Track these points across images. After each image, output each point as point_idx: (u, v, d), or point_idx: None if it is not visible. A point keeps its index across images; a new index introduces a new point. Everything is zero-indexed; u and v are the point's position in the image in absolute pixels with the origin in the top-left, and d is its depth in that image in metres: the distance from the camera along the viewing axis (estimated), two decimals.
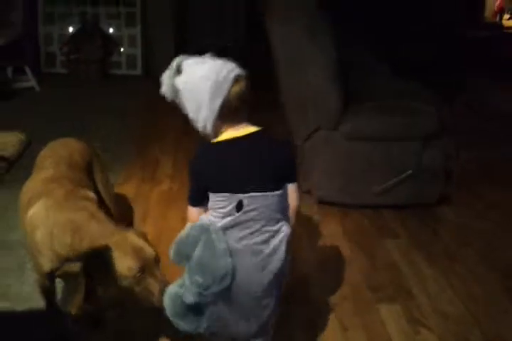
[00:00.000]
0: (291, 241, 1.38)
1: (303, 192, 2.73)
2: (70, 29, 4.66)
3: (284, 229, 1.35)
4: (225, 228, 1.29)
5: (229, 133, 1.30)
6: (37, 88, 4.32)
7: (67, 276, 1.55)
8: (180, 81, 1.30)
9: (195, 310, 1.32)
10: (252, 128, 1.32)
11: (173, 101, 1.35)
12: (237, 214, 1.28)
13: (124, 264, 1.36)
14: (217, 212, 1.31)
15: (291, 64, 2.30)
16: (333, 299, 2.01)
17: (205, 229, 1.27)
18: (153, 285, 1.37)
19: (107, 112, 3.93)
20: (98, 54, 4.55)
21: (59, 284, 1.91)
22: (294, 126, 2.57)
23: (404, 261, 2.27)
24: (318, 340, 1.80)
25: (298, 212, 2.52)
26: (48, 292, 1.68)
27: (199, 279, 1.25)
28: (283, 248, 1.34)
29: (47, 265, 1.50)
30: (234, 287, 1.28)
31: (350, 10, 3.92)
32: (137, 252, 1.38)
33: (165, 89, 1.34)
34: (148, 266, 1.38)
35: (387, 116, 2.42)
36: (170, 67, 1.34)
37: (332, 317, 1.91)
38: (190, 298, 1.28)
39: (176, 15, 4.82)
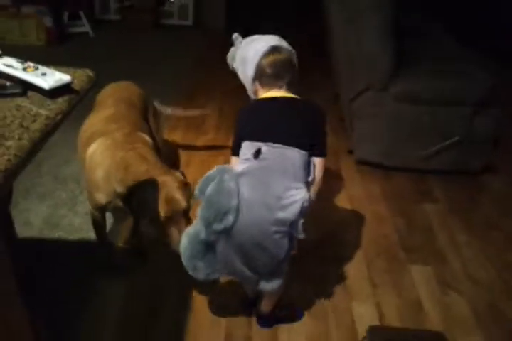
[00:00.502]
0: (309, 208, 1.34)
1: (347, 152, 2.74)
2: None
3: (303, 192, 1.32)
4: (241, 173, 1.33)
5: (266, 95, 1.47)
6: (91, 33, 4.39)
7: (117, 210, 1.64)
8: (237, 53, 1.58)
9: (210, 248, 1.36)
10: (288, 94, 1.46)
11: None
12: (254, 161, 1.35)
13: (154, 209, 1.42)
14: (241, 159, 1.40)
15: (346, 23, 2.25)
16: (367, 256, 2.06)
17: (220, 171, 1.32)
18: (175, 234, 1.44)
19: (157, 61, 3.98)
20: (151, 2, 4.54)
21: (109, 219, 2.05)
22: (343, 86, 2.53)
23: (441, 225, 2.27)
24: (348, 295, 1.86)
25: (339, 172, 2.60)
26: (98, 224, 1.79)
27: (204, 213, 1.29)
28: (295, 208, 1.30)
29: (103, 199, 1.60)
30: (236, 231, 1.31)
31: None
32: (168, 202, 1.44)
33: (228, 59, 1.62)
34: (175, 217, 1.44)
35: (439, 79, 2.35)
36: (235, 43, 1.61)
37: (363, 273, 1.97)
38: (201, 234, 1.31)
39: None
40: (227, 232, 1.31)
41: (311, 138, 1.41)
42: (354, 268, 1.99)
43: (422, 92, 2.32)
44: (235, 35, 1.59)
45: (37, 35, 4.09)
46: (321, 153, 1.45)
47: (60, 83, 1.01)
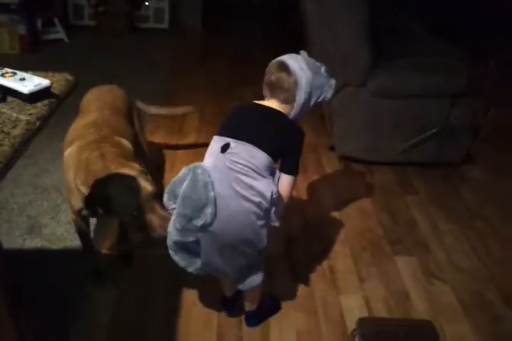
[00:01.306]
0: (278, 200, 1.38)
1: (329, 148, 2.77)
2: None
3: (270, 183, 1.36)
4: (210, 167, 1.35)
5: (263, 102, 1.52)
6: (66, 40, 4.36)
7: (99, 216, 1.63)
8: None
9: (185, 249, 1.39)
10: (277, 107, 1.49)
11: None
12: (220, 154, 1.38)
13: (122, 201, 1.42)
14: (208, 152, 1.44)
15: (321, 21, 2.27)
16: (353, 250, 2.08)
17: (192, 168, 1.33)
18: (154, 220, 1.43)
19: (134, 65, 3.96)
20: (125, 7, 4.52)
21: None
22: None
23: (423, 216, 2.31)
24: (336, 289, 1.89)
25: (322, 168, 2.63)
26: (82, 231, 1.78)
27: (180, 211, 1.30)
28: (268, 196, 1.33)
29: (77, 204, 1.59)
30: (216, 226, 1.31)
31: None
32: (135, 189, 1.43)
33: None
34: (147, 204, 1.43)
35: (415, 73, 2.38)
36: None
37: (350, 267, 1.99)
38: (174, 236, 1.34)
39: None
40: (205, 229, 1.31)
41: (282, 152, 1.45)
42: (341, 263, 2.02)
43: (399, 86, 2.36)
44: (301, 52, 1.57)
45: (10, 43, 4.03)
46: (290, 171, 1.48)
47: (39, 87, 1.02)
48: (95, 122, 1.74)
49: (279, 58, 1.52)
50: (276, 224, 1.41)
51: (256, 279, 1.52)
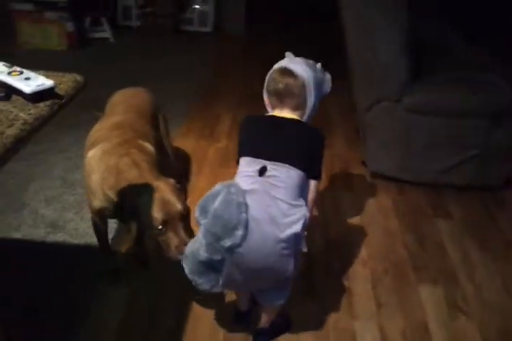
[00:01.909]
0: (307, 225, 1.35)
1: (361, 163, 2.66)
2: None
3: (303, 209, 1.34)
4: (246, 190, 1.30)
5: (274, 112, 1.49)
6: (111, 39, 4.43)
7: (117, 217, 1.62)
8: None
9: (210, 268, 1.32)
10: (290, 115, 1.46)
11: None
12: (258, 178, 1.34)
13: (149, 214, 1.39)
14: (242, 175, 1.38)
15: (360, 32, 2.18)
16: (374, 273, 1.98)
17: (227, 185, 1.28)
18: (172, 240, 1.39)
19: (175, 66, 3.98)
20: (172, 9, 4.56)
21: (113, 225, 2.03)
22: (358, 97, 2.46)
23: (454, 243, 2.17)
24: (351, 313, 1.79)
25: (351, 184, 2.53)
26: (99, 230, 1.77)
27: (210, 228, 1.24)
28: (300, 225, 1.30)
29: (97, 204, 1.58)
30: (243, 249, 1.26)
31: None
32: (163, 205, 1.40)
33: None
34: (172, 221, 1.40)
35: (453, 90, 2.25)
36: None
37: (369, 291, 1.89)
38: (201, 253, 1.28)
39: None
40: (232, 251, 1.25)
41: (308, 161, 1.42)
42: (359, 286, 1.91)
43: (436, 104, 2.23)
44: (287, 53, 1.59)
45: (58, 40, 4.13)
46: (316, 176, 1.46)
47: (41, 87, 1.00)
48: (120, 124, 1.72)
49: (278, 65, 1.49)
50: (305, 249, 1.39)
51: (280, 298, 1.50)
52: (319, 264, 2.00)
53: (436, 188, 2.51)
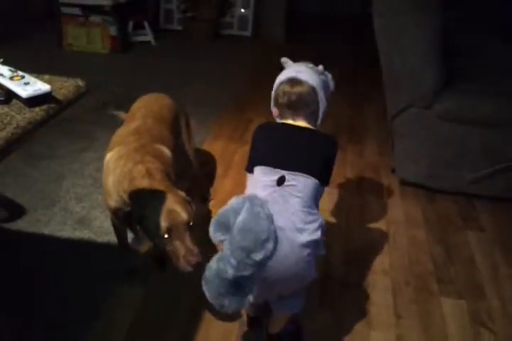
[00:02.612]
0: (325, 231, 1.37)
1: (391, 170, 2.61)
2: None
3: (320, 217, 1.35)
4: (266, 200, 1.29)
5: (286, 121, 1.49)
6: (153, 42, 4.53)
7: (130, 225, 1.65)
8: None
9: (236, 286, 1.25)
10: (303, 124, 1.46)
11: None
12: (276, 187, 1.34)
13: (154, 222, 1.41)
14: (260, 185, 1.38)
15: (389, 36, 2.13)
16: (395, 283, 1.93)
17: (248, 198, 1.26)
18: (179, 250, 1.39)
19: (214, 70, 4.03)
20: (212, 13, 4.62)
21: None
22: (388, 103, 2.42)
23: (484, 256, 2.09)
24: (368, 323, 1.75)
25: (380, 191, 2.48)
26: (118, 229, 1.82)
27: (241, 244, 1.20)
28: (320, 231, 1.32)
29: (113, 204, 1.63)
30: (274, 261, 1.24)
31: None
32: (169, 214, 1.41)
33: None
34: (178, 230, 1.40)
35: (488, 99, 2.16)
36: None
37: (388, 301, 1.84)
38: (229, 272, 1.21)
39: None
40: (263, 264, 1.23)
41: (323, 169, 1.42)
42: (379, 295, 1.87)
43: (469, 112, 2.15)
44: (283, 59, 1.61)
45: (102, 43, 4.27)
46: (327, 183, 1.47)
47: (37, 92, 1.04)
48: (137, 130, 1.76)
49: (284, 76, 1.50)
50: (323, 252, 1.38)
51: (297, 305, 1.50)
52: (338, 272, 1.97)
53: (468, 198, 2.43)
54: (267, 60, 4.41)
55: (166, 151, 1.73)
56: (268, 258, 1.23)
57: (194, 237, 1.42)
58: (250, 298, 1.28)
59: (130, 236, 1.94)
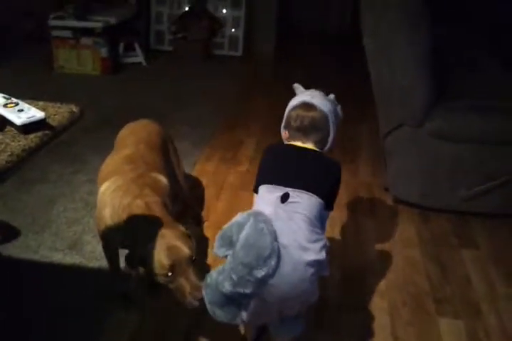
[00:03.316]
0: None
1: (384, 189, 2.61)
2: (181, 9, 4.81)
3: (325, 239, 1.34)
4: (271, 217, 1.28)
5: (295, 143, 1.51)
6: (144, 63, 4.56)
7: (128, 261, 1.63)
8: None
9: (232, 301, 1.28)
10: (311, 147, 1.49)
11: None
12: (280, 205, 1.33)
13: (157, 262, 1.38)
14: (264, 203, 1.38)
15: (379, 54, 2.16)
16: (391, 305, 1.91)
17: (252, 214, 1.26)
18: (185, 286, 1.36)
19: (204, 90, 4.05)
20: (203, 34, 4.67)
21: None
22: (380, 122, 2.43)
23: (480, 275, 2.08)
24: None
25: (373, 210, 2.48)
26: (109, 254, 1.79)
27: (244, 260, 1.19)
28: (323, 253, 1.31)
29: (107, 233, 1.61)
30: (276, 279, 1.22)
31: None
32: (171, 250, 1.38)
33: None
34: (181, 266, 1.37)
35: (480, 116, 2.18)
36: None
37: (385, 323, 1.82)
38: (226, 287, 1.23)
39: (280, 1, 4.78)
40: (264, 281, 1.21)
41: (327, 190, 1.43)
42: (376, 318, 1.84)
43: (461, 130, 2.17)
44: (295, 85, 1.63)
45: (93, 65, 4.29)
46: (331, 207, 1.48)
47: (32, 119, 1.04)
48: (131, 157, 1.75)
49: (298, 101, 1.53)
50: (327, 273, 1.36)
51: (296, 329, 1.47)
52: (334, 294, 1.95)
53: (462, 216, 2.43)
54: (257, 80, 4.46)
55: (163, 180, 1.72)
56: (270, 276, 1.21)
57: (197, 272, 1.39)
58: (244, 315, 1.29)
59: (122, 260, 1.92)
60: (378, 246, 2.24)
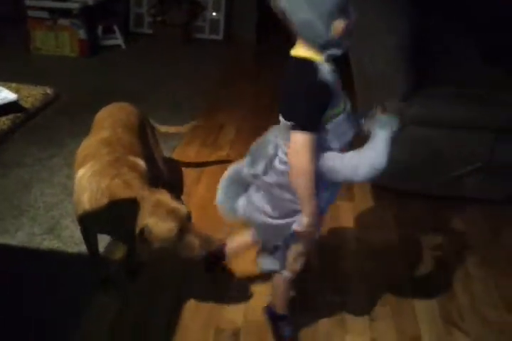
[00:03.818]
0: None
1: None
2: None
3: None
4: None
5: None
6: (123, 46, 4.48)
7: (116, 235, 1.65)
8: None
9: (243, 188, 1.46)
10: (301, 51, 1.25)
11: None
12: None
13: (164, 228, 1.42)
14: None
15: (359, 41, 2.16)
16: (368, 287, 1.95)
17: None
18: (193, 241, 1.45)
19: (184, 74, 4.00)
20: (183, 18, 4.60)
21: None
22: (360, 106, 2.44)
23: (455, 258, 2.14)
24: (343, 327, 1.77)
25: (351, 194, 2.50)
26: (88, 239, 1.79)
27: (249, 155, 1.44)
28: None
29: (86, 219, 1.61)
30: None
31: None
32: (172, 213, 1.44)
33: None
34: (185, 225, 1.45)
35: (458, 103, 2.21)
36: None
37: (362, 304, 1.86)
38: (245, 170, 1.42)
39: None
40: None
41: (285, 103, 1.28)
42: (353, 299, 1.89)
43: (439, 116, 2.20)
44: None
45: (71, 46, 4.20)
46: (288, 117, 1.26)
47: (3, 101, 1.02)
48: (108, 141, 1.74)
49: None
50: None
51: (270, 263, 1.52)
52: (314, 277, 1.97)
53: (439, 200, 2.48)
54: (238, 64, 4.42)
55: (141, 163, 1.71)
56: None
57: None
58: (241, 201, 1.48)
59: (101, 245, 1.92)
60: (355, 230, 2.28)
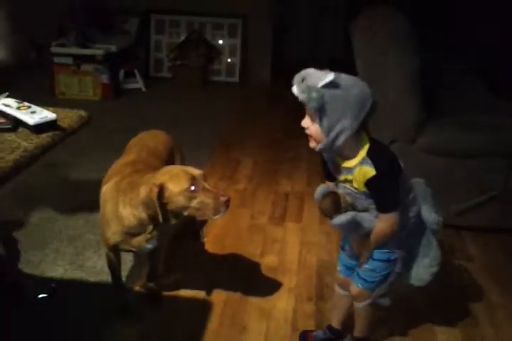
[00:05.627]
0: None
1: None
2: (179, 38, 4.98)
3: None
4: None
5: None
6: (143, 89, 4.68)
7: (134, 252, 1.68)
8: (333, 93, 1.30)
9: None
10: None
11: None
12: None
13: (177, 182, 1.49)
14: None
15: (369, 74, 2.26)
16: (389, 318, 1.92)
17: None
18: (207, 198, 1.49)
19: (202, 114, 4.14)
20: (201, 61, 4.81)
21: (128, 263, 2.08)
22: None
23: (474, 285, 2.11)
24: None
25: None
26: (113, 266, 1.83)
27: None
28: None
29: (113, 236, 1.65)
30: None
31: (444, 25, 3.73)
32: (185, 171, 1.53)
33: (308, 96, 1.31)
34: (199, 182, 1.50)
35: (469, 132, 2.27)
36: (321, 79, 1.31)
37: (383, 332, 1.84)
38: None
39: (274, 28, 4.95)
40: None
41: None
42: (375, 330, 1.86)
43: (451, 144, 2.25)
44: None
45: (93, 90, 4.41)
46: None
47: (44, 120, 1.10)
48: (132, 161, 1.82)
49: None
50: None
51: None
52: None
53: (455, 229, 2.47)
54: (253, 104, 4.57)
55: None
56: None
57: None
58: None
59: (124, 274, 1.95)
60: None
